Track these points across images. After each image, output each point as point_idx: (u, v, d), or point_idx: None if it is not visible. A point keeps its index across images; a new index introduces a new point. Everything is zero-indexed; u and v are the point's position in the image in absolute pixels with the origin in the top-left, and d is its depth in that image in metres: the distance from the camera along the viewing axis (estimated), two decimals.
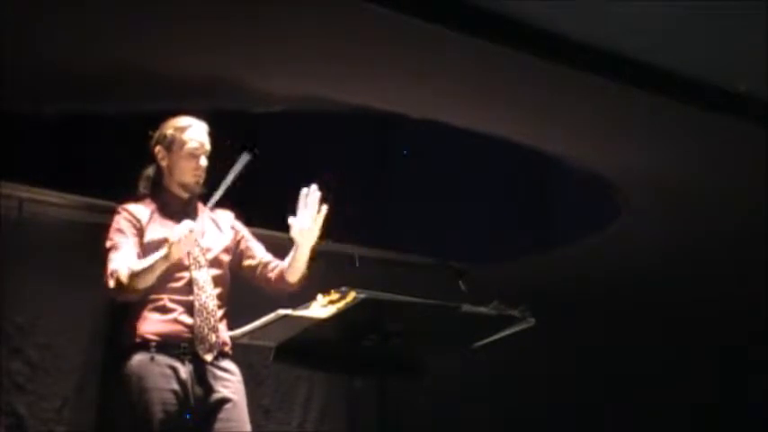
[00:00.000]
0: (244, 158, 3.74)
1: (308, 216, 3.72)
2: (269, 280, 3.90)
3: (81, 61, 4.09)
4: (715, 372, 6.95)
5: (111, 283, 3.60)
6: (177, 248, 3.53)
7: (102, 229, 3.80)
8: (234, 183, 3.77)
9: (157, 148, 3.81)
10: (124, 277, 3.57)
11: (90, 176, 4.50)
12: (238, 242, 3.93)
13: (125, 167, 4.17)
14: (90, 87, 4.28)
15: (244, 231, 3.97)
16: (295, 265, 3.83)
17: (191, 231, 3.55)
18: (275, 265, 3.91)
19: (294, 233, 3.75)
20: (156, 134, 3.83)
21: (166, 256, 3.54)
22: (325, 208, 3.74)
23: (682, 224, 5.95)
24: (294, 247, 3.81)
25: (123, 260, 3.62)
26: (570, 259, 6.17)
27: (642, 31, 4.18)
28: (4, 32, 3.77)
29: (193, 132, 3.81)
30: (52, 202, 4.38)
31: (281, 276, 3.87)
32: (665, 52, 4.34)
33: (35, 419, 4.21)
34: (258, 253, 3.95)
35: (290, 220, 3.73)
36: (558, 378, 6.38)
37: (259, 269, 3.92)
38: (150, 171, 3.86)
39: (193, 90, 4.32)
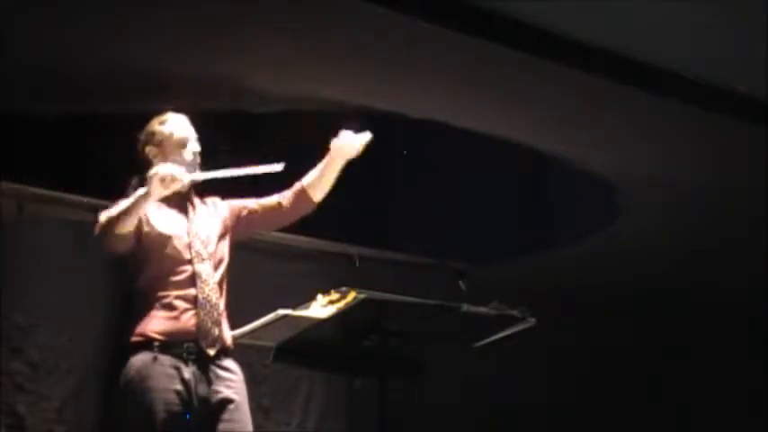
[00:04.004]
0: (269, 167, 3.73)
1: (352, 134, 3.76)
2: (282, 209, 3.87)
3: (81, 61, 4.10)
4: (715, 372, 6.95)
5: (96, 231, 3.58)
6: (159, 183, 3.48)
7: None
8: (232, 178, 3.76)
9: (148, 149, 3.81)
10: (103, 220, 3.55)
11: (90, 176, 4.50)
12: (238, 214, 3.91)
13: (125, 167, 4.17)
14: (89, 87, 4.28)
15: (233, 203, 3.95)
16: (323, 180, 3.82)
17: (173, 175, 3.50)
18: (282, 196, 3.89)
19: (334, 145, 3.77)
20: (142, 137, 3.83)
21: (146, 196, 3.51)
22: (369, 134, 3.77)
23: (681, 224, 5.95)
24: (327, 160, 3.81)
25: (107, 212, 3.60)
26: (570, 259, 6.17)
27: (642, 31, 4.18)
28: (3, 33, 3.77)
29: (176, 122, 3.82)
30: (52, 202, 4.38)
31: (302, 195, 3.85)
32: (665, 52, 4.34)
33: (35, 419, 4.22)
34: (253, 203, 3.93)
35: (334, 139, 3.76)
36: (559, 378, 6.38)
37: (266, 210, 3.89)
38: (135, 182, 3.84)
39: (193, 90, 4.32)
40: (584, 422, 6.38)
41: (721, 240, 6.05)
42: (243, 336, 3.57)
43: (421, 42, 4.06)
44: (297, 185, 3.88)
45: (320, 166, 3.85)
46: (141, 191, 3.54)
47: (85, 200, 4.41)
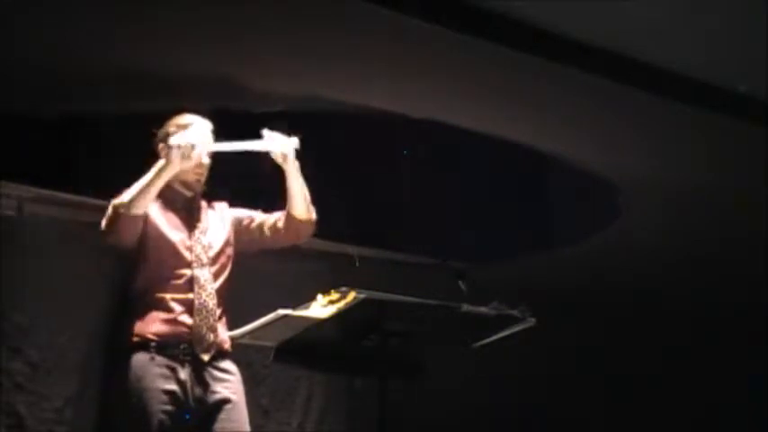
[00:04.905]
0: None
1: (279, 136, 3.77)
2: (277, 229, 3.88)
3: (81, 61, 4.10)
4: (715, 372, 6.95)
5: (104, 221, 3.60)
6: (177, 153, 3.52)
7: None
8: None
9: (160, 146, 3.82)
10: (122, 198, 3.55)
11: (90, 176, 4.50)
12: (239, 223, 3.92)
13: (125, 167, 4.16)
14: (89, 87, 4.28)
15: (240, 211, 3.96)
16: (293, 194, 3.83)
17: (190, 145, 3.54)
18: (278, 215, 3.90)
19: (276, 155, 3.77)
20: (159, 133, 3.84)
21: (167, 164, 3.53)
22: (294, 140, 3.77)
23: (681, 224, 5.95)
24: (285, 181, 3.82)
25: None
26: (570, 259, 6.17)
27: (642, 31, 4.17)
28: (3, 32, 3.77)
29: (194, 130, 3.81)
30: (52, 202, 4.38)
31: (290, 218, 3.86)
32: (665, 52, 4.34)
33: (35, 419, 4.21)
34: (256, 217, 3.94)
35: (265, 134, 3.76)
36: (558, 378, 6.38)
37: (265, 226, 3.90)
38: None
39: (193, 90, 4.32)
40: (585, 422, 6.38)
41: (721, 240, 6.05)
42: (243, 336, 3.57)
43: (421, 42, 4.06)
44: (284, 213, 3.89)
45: (287, 189, 3.85)
46: (160, 163, 3.56)
47: (85, 200, 4.41)
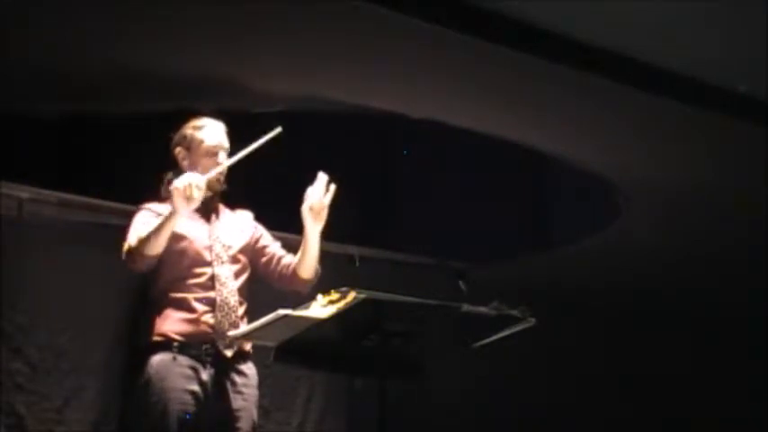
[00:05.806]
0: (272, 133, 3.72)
1: (317, 193, 3.73)
2: (281, 276, 3.90)
3: (81, 61, 4.10)
4: (715, 372, 6.95)
5: (124, 255, 3.61)
6: (180, 197, 3.48)
7: (103, 229, 3.81)
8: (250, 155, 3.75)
9: (177, 149, 3.85)
10: (133, 242, 3.57)
11: (90, 176, 4.51)
12: (256, 241, 3.94)
13: (125, 167, 4.17)
14: (90, 88, 4.28)
15: (262, 231, 3.99)
16: (306, 256, 3.82)
17: (191, 184, 3.50)
18: (288, 262, 3.91)
19: (304, 211, 3.75)
20: (176, 136, 3.87)
21: (172, 214, 3.52)
22: (333, 188, 3.75)
23: (681, 224, 5.95)
24: (304, 235, 3.81)
25: (136, 232, 3.62)
26: (570, 259, 6.17)
27: (642, 31, 4.17)
28: (3, 32, 3.77)
29: (210, 130, 3.85)
30: (52, 202, 4.38)
31: (294, 273, 3.87)
32: (665, 52, 4.34)
33: (35, 419, 4.21)
34: (272, 249, 3.96)
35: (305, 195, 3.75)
36: (558, 378, 6.38)
37: (272, 264, 3.92)
38: (171, 176, 3.86)
39: (193, 90, 4.32)
40: (584, 422, 6.38)
41: (721, 240, 6.05)
42: (243, 335, 3.57)
43: (421, 42, 4.06)
44: (294, 264, 3.88)
45: (302, 245, 3.84)
46: (167, 211, 3.55)
47: (85, 200, 4.42)
